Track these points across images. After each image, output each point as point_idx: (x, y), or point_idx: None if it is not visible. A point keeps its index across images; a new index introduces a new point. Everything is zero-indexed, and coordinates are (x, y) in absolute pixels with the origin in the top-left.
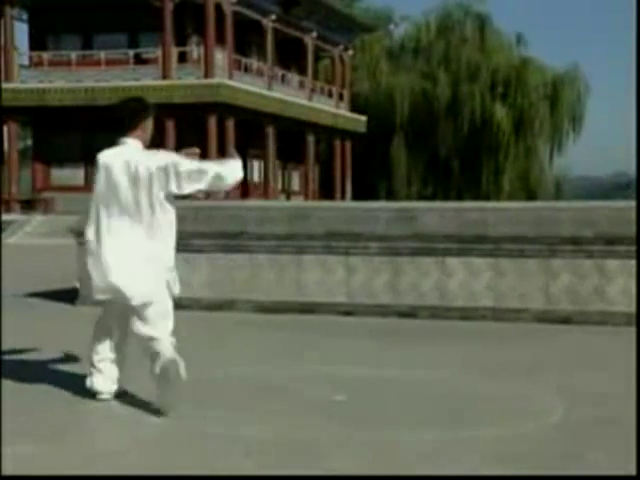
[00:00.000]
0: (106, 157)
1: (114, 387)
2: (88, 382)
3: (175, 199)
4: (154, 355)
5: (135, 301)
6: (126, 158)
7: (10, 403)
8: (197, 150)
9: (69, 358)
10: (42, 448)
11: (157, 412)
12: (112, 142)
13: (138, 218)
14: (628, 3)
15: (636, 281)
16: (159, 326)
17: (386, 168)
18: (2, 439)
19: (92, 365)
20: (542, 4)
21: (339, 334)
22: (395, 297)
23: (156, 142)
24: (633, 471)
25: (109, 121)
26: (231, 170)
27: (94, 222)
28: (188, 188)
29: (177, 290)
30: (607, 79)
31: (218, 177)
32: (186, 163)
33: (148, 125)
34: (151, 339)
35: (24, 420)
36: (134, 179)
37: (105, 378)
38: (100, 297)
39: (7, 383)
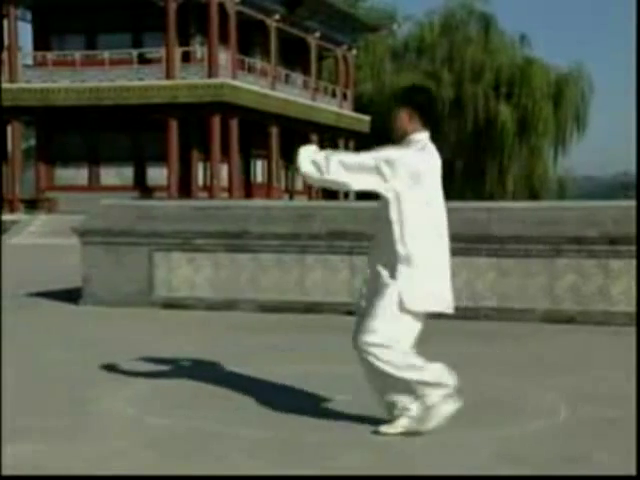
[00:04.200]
0: (428, 156)
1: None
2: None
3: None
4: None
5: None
6: (433, 155)
7: (14, 402)
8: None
9: (77, 357)
10: (46, 448)
11: (159, 412)
12: (116, 142)
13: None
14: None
15: (636, 281)
16: None
17: None
18: (6, 438)
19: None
20: (546, 4)
21: (342, 333)
22: None
23: (160, 142)
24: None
25: (113, 121)
26: None
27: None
28: None
29: None
30: (611, 79)
31: None
32: None
33: None
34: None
35: (27, 420)
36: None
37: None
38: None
39: (10, 382)
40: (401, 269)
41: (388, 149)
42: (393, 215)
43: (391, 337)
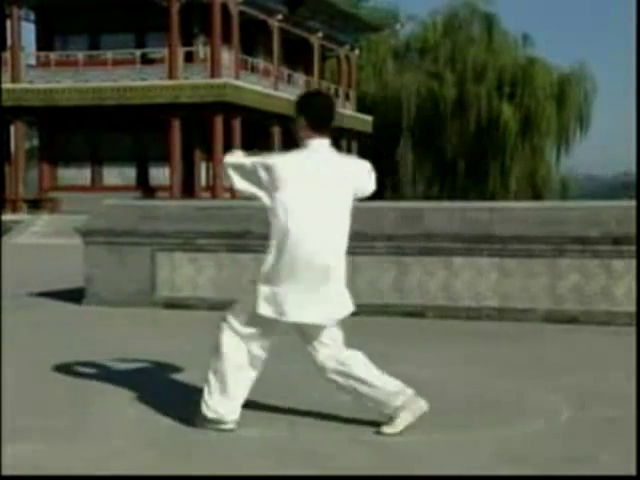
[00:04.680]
0: (309, 160)
1: None
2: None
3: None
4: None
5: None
6: (335, 163)
7: (14, 402)
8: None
9: (79, 357)
10: (46, 448)
11: (160, 412)
12: (119, 142)
13: (339, 234)
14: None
15: (636, 281)
16: None
17: (392, 168)
18: (6, 438)
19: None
20: (549, 4)
21: (344, 333)
22: (401, 297)
23: (163, 142)
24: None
25: (116, 121)
26: None
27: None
28: (370, 190)
29: None
30: (614, 79)
31: None
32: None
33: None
34: None
35: (27, 420)
36: (339, 189)
37: None
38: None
39: (10, 382)
40: (260, 277)
41: (276, 155)
42: (270, 219)
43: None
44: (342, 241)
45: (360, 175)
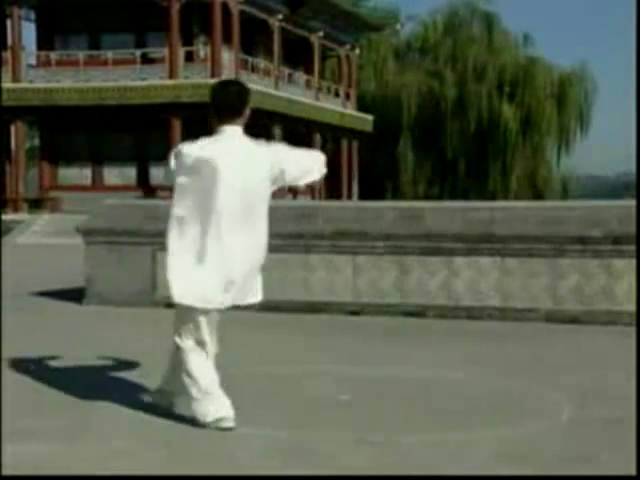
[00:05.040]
0: (209, 147)
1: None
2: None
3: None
4: None
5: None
6: (237, 150)
7: (14, 402)
8: None
9: (80, 357)
10: (46, 448)
11: (161, 412)
12: (119, 141)
13: (247, 219)
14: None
15: (636, 280)
16: None
17: (393, 167)
18: (6, 438)
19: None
20: (549, 3)
21: (345, 333)
22: (402, 296)
23: (163, 141)
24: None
25: (116, 120)
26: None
27: (196, 224)
28: (301, 182)
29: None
30: (615, 78)
31: (323, 166)
32: (297, 156)
33: (248, 112)
34: None
35: (27, 420)
36: (245, 175)
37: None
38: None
39: (15, 381)
40: (166, 260)
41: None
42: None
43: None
44: (257, 226)
45: (277, 163)
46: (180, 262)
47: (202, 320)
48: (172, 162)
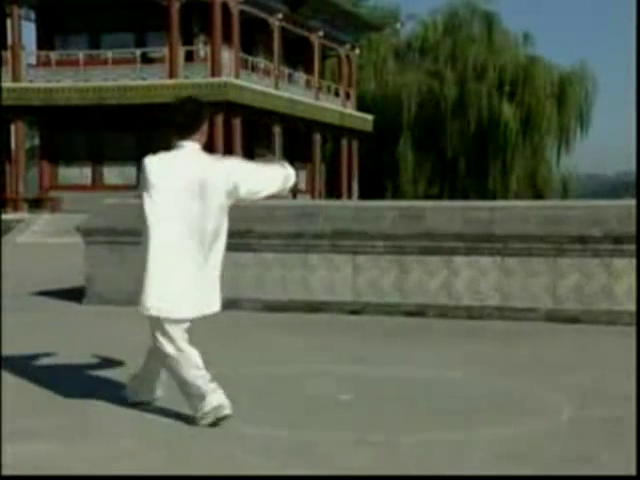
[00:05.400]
0: (161, 162)
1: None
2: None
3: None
4: None
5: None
6: (186, 164)
7: (16, 402)
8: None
9: (80, 356)
10: (46, 448)
11: (161, 412)
12: (119, 141)
13: (193, 230)
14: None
15: (636, 280)
16: None
17: (393, 167)
18: (6, 438)
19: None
20: (549, 3)
21: (345, 333)
22: (402, 296)
23: (164, 141)
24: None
25: (116, 120)
26: (290, 174)
27: (155, 233)
28: (257, 196)
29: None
30: (615, 78)
31: (285, 180)
32: (252, 169)
33: (206, 127)
34: None
35: (27, 420)
36: (194, 187)
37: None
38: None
39: (15, 381)
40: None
41: None
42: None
43: None
44: (213, 238)
45: (231, 177)
46: (146, 273)
47: (173, 329)
48: (140, 174)
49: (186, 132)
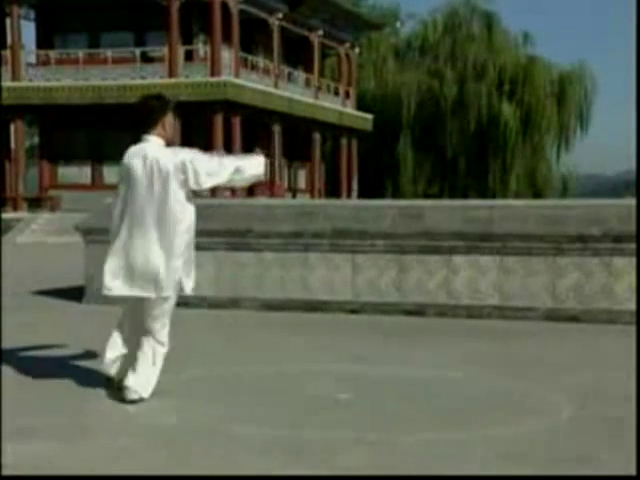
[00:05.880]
0: (128, 154)
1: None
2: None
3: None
4: None
5: (155, 294)
6: (145, 154)
7: (16, 402)
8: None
9: (80, 356)
10: (46, 448)
11: (161, 412)
12: (119, 140)
13: (153, 215)
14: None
15: (636, 279)
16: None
17: (392, 166)
18: (6, 438)
19: None
20: (549, 3)
21: (345, 332)
22: (401, 295)
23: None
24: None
25: (116, 119)
26: (251, 165)
27: (119, 220)
28: (207, 183)
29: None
30: (615, 77)
31: (237, 171)
32: (204, 158)
33: (167, 122)
34: None
35: (27, 420)
36: (150, 176)
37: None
38: (125, 293)
39: (15, 381)
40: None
41: None
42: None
43: None
44: (166, 224)
45: (181, 165)
46: (109, 260)
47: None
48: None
49: (147, 126)
